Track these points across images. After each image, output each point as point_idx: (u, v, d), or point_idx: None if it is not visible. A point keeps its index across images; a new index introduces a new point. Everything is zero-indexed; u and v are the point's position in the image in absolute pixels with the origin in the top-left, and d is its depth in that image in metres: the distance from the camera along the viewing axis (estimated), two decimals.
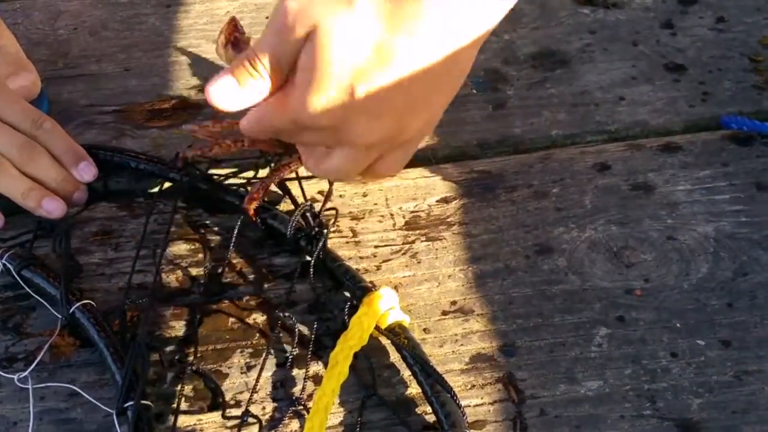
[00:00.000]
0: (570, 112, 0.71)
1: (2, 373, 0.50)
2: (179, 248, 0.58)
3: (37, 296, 0.54)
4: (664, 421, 0.47)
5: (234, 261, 0.57)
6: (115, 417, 0.47)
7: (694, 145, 0.66)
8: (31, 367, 0.50)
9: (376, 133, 0.44)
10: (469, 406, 0.48)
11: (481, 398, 0.49)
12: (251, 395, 0.48)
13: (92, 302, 0.52)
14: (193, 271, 0.56)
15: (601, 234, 0.59)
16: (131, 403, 0.46)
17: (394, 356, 0.50)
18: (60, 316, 0.52)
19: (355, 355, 0.47)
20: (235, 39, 0.57)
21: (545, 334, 0.52)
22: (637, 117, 0.70)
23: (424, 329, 0.53)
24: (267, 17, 0.82)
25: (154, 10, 0.83)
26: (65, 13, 0.82)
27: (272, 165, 0.59)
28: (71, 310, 0.52)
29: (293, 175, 0.59)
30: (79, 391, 0.49)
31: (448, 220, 0.61)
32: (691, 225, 0.59)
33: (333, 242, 0.58)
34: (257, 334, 0.52)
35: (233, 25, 0.58)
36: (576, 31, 0.80)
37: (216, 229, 0.59)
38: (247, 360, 0.51)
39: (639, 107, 0.71)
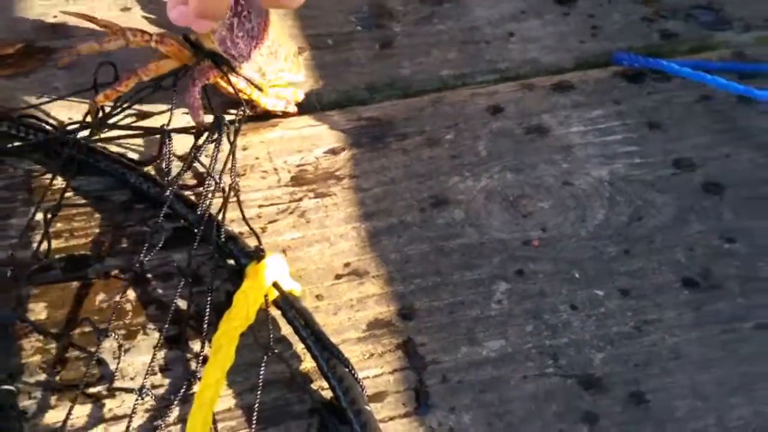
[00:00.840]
0: (460, 50, 0.67)
1: None
2: (36, 216, 0.51)
3: None
4: (567, 378, 0.46)
5: (99, 229, 0.51)
6: None
7: (586, 83, 0.64)
8: None
9: None
10: (368, 377, 0.45)
11: (381, 367, 0.46)
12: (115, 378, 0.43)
13: None
14: (54, 243, 0.50)
15: (497, 182, 0.57)
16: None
17: (286, 329, 0.47)
18: None
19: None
20: None
21: (444, 294, 0.50)
22: (527, 55, 0.68)
23: (317, 296, 0.49)
24: None
25: None
26: None
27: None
28: None
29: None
30: None
31: (338, 173, 0.57)
32: (586, 168, 0.58)
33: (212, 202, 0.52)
34: (130, 313, 0.47)
35: None
36: None
37: (73, 193, 0.53)
38: (121, 342, 0.46)
39: (529, 44, 0.68)
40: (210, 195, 0.50)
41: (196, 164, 0.53)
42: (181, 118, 0.57)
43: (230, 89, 0.55)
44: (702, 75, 0.58)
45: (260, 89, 0.57)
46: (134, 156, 0.55)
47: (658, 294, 0.50)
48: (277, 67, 0.58)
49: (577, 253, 0.53)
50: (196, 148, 0.53)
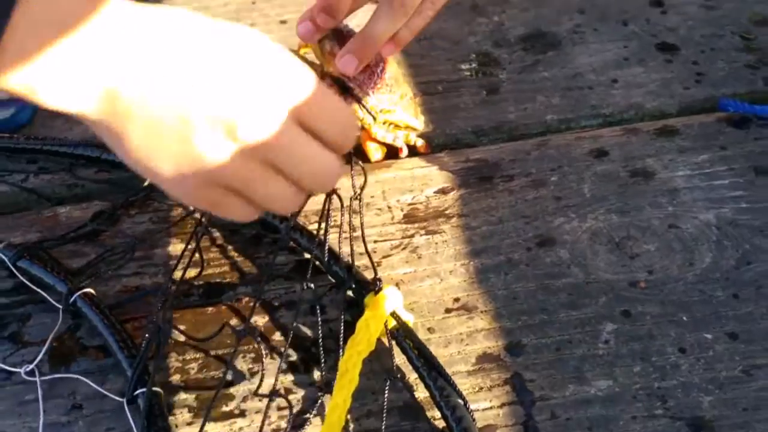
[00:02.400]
0: (564, 96, 0.70)
1: (8, 367, 0.49)
2: (175, 248, 0.56)
3: (33, 286, 0.52)
4: (676, 420, 0.47)
5: (231, 260, 0.56)
6: (126, 405, 0.46)
7: (691, 128, 0.66)
8: (38, 359, 0.49)
9: None
10: (478, 410, 0.48)
11: (490, 401, 0.48)
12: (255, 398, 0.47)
13: (93, 291, 0.51)
14: (192, 273, 0.54)
15: (602, 223, 0.58)
16: (142, 390, 0.45)
17: (400, 358, 0.49)
18: (60, 307, 0.51)
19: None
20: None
21: (551, 331, 0.52)
22: (631, 100, 0.69)
23: (429, 328, 0.52)
24: (253, 2, 0.79)
25: None
26: None
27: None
28: (73, 299, 0.51)
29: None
30: (86, 380, 0.48)
31: (447, 212, 0.60)
32: (693, 212, 0.59)
33: (331, 238, 0.56)
34: (258, 338, 0.51)
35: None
36: (565, 11, 0.79)
37: (211, 227, 0.57)
38: (250, 366, 0.50)
39: (633, 89, 0.70)
40: (330, 230, 0.54)
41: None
42: None
43: None
44: None
45: (373, 117, 0.60)
46: None
47: (767, 339, 0.51)
48: (391, 100, 0.61)
49: (684, 295, 0.54)
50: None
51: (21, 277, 0.52)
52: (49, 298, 0.52)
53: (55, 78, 0.37)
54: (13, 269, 0.53)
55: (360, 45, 0.55)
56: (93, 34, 0.37)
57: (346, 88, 0.58)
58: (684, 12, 0.78)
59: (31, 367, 0.49)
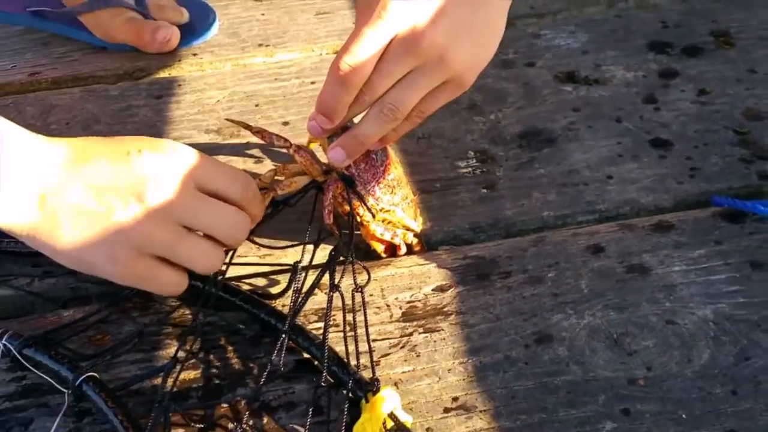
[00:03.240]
0: (559, 193, 0.71)
1: None
2: (175, 348, 0.57)
3: (40, 374, 0.54)
4: None
5: (231, 361, 0.56)
6: None
7: (686, 223, 0.67)
8: None
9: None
10: None
11: None
12: None
13: (96, 375, 0.53)
14: (191, 374, 0.55)
15: (600, 320, 0.59)
16: None
17: None
18: (66, 391, 0.52)
19: None
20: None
21: (551, 431, 0.51)
22: (626, 195, 0.71)
23: (427, 429, 0.52)
24: (257, 105, 0.82)
25: (145, 101, 0.83)
26: (56, 107, 0.82)
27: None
28: (78, 382, 0.52)
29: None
30: None
31: (445, 309, 0.60)
32: (690, 308, 0.59)
33: (331, 337, 0.57)
34: None
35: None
36: (560, 109, 0.81)
37: (211, 327, 0.58)
38: None
39: (628, 185, 0.72)
40: (330, 328, 0.55)
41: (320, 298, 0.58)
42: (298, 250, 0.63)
43: (346, 207, 0.61)
44: None
45: (372, 215, 0.61)
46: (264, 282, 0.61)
47: None
48: (391, 201, 0.63)
49: (683, 392, 0.53)
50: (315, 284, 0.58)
51: (26, 364, 0.54)
52: (54, 383, 0.53)
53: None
54: (18, 356, 0.54)
55: (349, 141, 0.59)
56: (15, 163, 0.48)
57: (350, 184, 0.60)
58: (677, 108, 0.81)
59: None
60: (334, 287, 0.55)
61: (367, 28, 0.53)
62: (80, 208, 0.49)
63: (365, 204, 0.60)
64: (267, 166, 0.74)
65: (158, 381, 0.53)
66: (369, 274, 0.58)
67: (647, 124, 0.79)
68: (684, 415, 0.52)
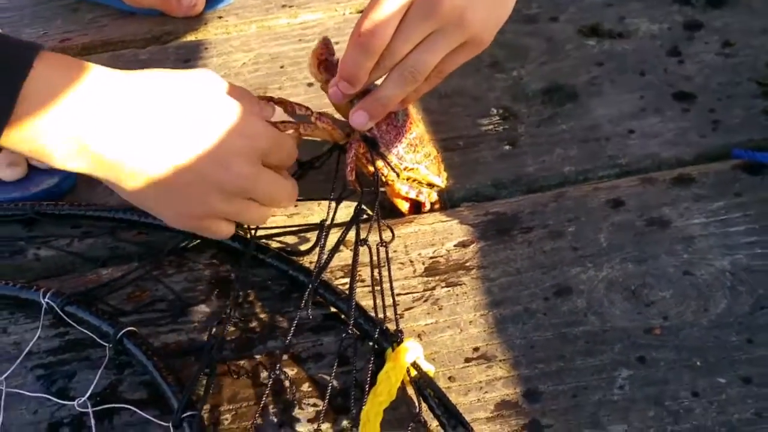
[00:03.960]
0: (581, 148, 0.72)
1: (62, 401, 0.54)
2: (211, 305, 0.60)
3: (82, 329, 0.57)
4: None
5: (262, 315, 0.59)
6: (172, 429, 0.50)
7: (707, 176, 0.67)
8: (89, 392, 0.53)
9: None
10: None
11: None
12: None
13: (135, 329, 0.56)
14: (226, 329, 0.58)
15: (618, 272, 0.60)
16: (190, 413, 0.49)
17: (421, 407, 0.52)
18: (107, 345, 0.55)
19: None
20: (326, 60, 0.63)
21: (568, 378, 0.53)
22: (648, 150, 0.71)
23: (449, 377, 0.54)
24: (281, 67, 0.84)
25: (173, 65, 0.85)
26: None
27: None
28: (119, 336, 0.55)
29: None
30: (135, 409, 0.52)
31: (467, 264, 0.62)
32: (708, 259, 0.60)
33: (357, 291, 0.59)
34: (287, 390, 0.54)
35: (324, 46, 0.63)
36: (583, 63, 0.81)
37: (242, 284, 0.61)
38: (280, 417, 0.53)
39: (649, 139, 0.72)
40: (356, 284, 0.57)
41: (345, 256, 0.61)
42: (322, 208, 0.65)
43: (370, 167, 0.63)
44: None
45: (397, 173, 0.63)
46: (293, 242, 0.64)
47: None
48: (414, 158, 0.65)
49: (698, 341, 0.55)
50: (340, 241, 0.60)
51: (68, 320, 0.57)
52: (97, 338, 0.56)
53: (57, 141, 0.48)
54: (60, 313, 0.57)
55: (371, 104, 0.60)
56: (87, 105, 0.49)
57: (373, 145, 0.62)
58: (701, 60, 0.80)
59: (83, 399, 0.53)
60: (360, 241, 0.57)
61: (347, 51, 0.56)
62: (152, 168, 0.52)
63: (389, 164, 0.62)
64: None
65: (194, 335, 0.56)
66: (393, 231, 0.60)
67: (671, 77, 0.79)
68: (699, 363, 0.53)
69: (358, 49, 0.56)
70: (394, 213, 0.67)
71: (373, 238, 0.59)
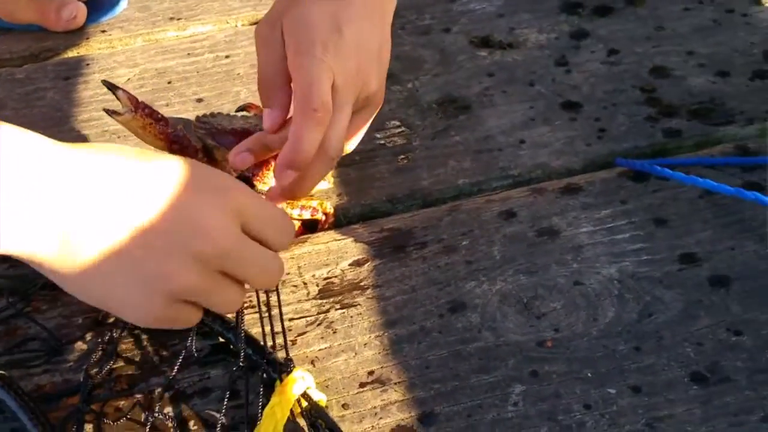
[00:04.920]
0: (474, 159, 0.72)
1: None
2: (88, 341, 0.56)
3: None
4: None
5: (143, 350, 0.56)
6: None
7: (593, 184, 0.68)
8: None
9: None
10: None
11: None
12: None
13: (5, 373, 0.52)
14: (104, 366, 0.55)
15: (511, 285, 0.60)
16: None
17: None
18: None
19: None
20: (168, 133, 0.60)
21: (462, 398, 0.53)
22: (537, 159, 0.72)
23: (343, 405, 0.53)
24: (169, 82, 0.81)
25: (52, 83, 0.81)
26: None
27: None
28: None
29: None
30: None
31: (362, 284, 0.61)
32: (596, 268, 0.61)
33: (246, 318, 0.57)
34: (171, 430, 0.51)
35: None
36: (475, 74, 0.82)
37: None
38: None
39: (539, 149, 0.73)
40: (246, 311, 0.55)
41: None
42: None
43: None
44: (694, 178, 0.61)
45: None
46: None
47: (669, 390, 0.53)
48: None
49: (589, 351, 0.55)
50: None
51: None
52: None
53: (14, 227, 0.42)
54: None
55: (256, 145, 0.57)
56: (42, 187, 0.43)
57: (249, 184, 0.60)
58: (587, 69, 0.82)
59: None
60: None
61: (313, 75, 0.53)
62: (111, 249, 0.44)
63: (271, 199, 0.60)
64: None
65: (69, 376, 0.53)
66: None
67: (558, 86, 0.80)
68: (589, 374, 0.54)
69: (313, 125, 0.52)
70: None
71: None
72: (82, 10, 0.87)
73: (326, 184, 0.66)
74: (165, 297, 0.45)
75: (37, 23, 0.87)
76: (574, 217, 0.65)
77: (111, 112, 0.60)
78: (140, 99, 0.61)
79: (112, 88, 0.59)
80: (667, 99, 0.78)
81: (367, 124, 0.62)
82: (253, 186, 0.60)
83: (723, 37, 0.85)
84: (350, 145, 0.62)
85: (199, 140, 0.64)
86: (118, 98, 0.59)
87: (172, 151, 0.59)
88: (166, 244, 0.44)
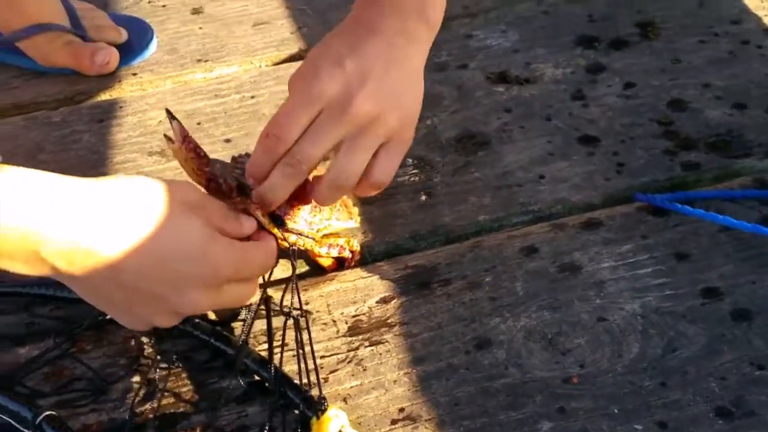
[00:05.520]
0: (494, 195, 0.74)
1: None
2: (132, 380, 0.59)
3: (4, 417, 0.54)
4: None
5: (184, 388, 0.58)
6: None
7: (613, 219, 0.70)
8: None
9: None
10: None
11: None
12: None
13: (54, 413, 0.54)
14: (147, 405, 0.57)
15: (536, 321, 0.62)
16: None
17: None
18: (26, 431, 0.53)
19: None
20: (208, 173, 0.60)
21: None
22: (557, 195, 0.74)
23: None
24: (198, 123, 0.84)
25: (87, 126, 0.83)
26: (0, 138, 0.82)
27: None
28: (38, 422, 0.53)
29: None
30: None
31: (389, 321, 0.63)
32: (619, 303, 0.63)
33: (280, 357, 0.59)
34: None
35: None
36: (493, 110, 0.84)
37: (160, 357, 0.60)
38: None
39: (558, 184, 0.75)
40: (278, 349, 0.57)
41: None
42: None
43: (285, 243, 0.62)
44: (714, 215, 0.62)
45: (313, 239, 0.63)
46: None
47: (695, 425, 0.54)
48: (323, 217, 0.65)
49: (615, 387, 0.57)
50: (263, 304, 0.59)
51: None
52: (14, 423, 0.54)
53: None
54: None
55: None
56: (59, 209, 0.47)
57: (280, 223, 0.61)
58: (604, 103, 0.84)
59: None
60: (284, 313, 0.57)
61: (293, 100, 0.57)
62: (111, 295, 0.51)
63: (302, 234, 0.62)
64: None
65: (115, 415, 0.55)
66: (307, 320, 0.59)
67: (576, 120, 0.82)
68: (616, 410, 0.55)
69: (262, 150, 0.57)
70: (318, 268, 0.67)
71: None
72: (114, 56, 0.90)
73: (353, 222, 0.68)
74: (174, 317, 0.53)
75: (72, 67, 0.90)
76: (595, 253, 0.67)
77: (168, 138, 0.62)
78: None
79: (170, 117, 0.62)
80: (685, 132, 0.79)
81: (391, 158, 0.60)
82: (284, 224, 0.62)
83: (739, 69, 0.86)
84: (377, 177, 0.60)
85: (234, 179, 0.65)
86: (172, 128, 0.61)
87: (208, 188, 0.61)
88: (153, 300, 0.51)
